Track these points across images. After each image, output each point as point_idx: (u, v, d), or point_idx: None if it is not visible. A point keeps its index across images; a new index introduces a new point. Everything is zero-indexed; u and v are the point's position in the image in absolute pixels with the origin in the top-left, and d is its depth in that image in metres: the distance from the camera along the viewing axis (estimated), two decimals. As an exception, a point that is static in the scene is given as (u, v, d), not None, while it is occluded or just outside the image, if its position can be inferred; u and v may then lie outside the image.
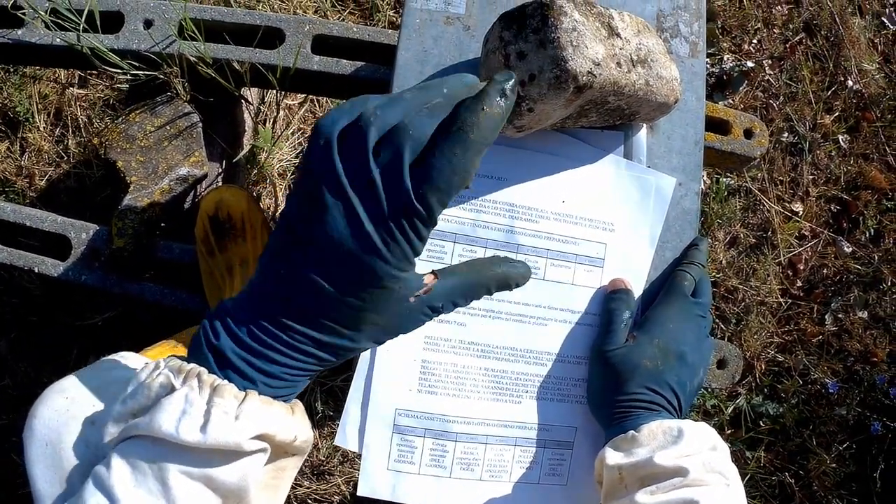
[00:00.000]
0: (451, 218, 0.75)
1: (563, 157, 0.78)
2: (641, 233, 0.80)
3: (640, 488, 0.68)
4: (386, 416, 0.76)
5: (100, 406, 0.58)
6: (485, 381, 0.77)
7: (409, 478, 0.77)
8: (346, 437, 0.76)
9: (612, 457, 0.71)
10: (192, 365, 0.49)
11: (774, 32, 1.82)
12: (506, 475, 0.78)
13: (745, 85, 1.74)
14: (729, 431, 1.61)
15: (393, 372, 0.76)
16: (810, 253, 1.72)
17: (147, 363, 0.51)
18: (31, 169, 1.62)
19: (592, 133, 0.78)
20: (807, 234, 1.73)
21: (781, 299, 1.68)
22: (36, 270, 1.10)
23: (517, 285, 0.56)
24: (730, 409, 1.60)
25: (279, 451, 0.53)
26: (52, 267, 1.10)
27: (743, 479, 0.77)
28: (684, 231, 0.81)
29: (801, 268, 1.70)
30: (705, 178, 1.71)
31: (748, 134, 1.16)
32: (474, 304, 0.74)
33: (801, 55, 1.80)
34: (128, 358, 0.68)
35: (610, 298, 0.78)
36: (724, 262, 1.68)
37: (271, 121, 1.61)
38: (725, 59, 1.75)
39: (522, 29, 0.65)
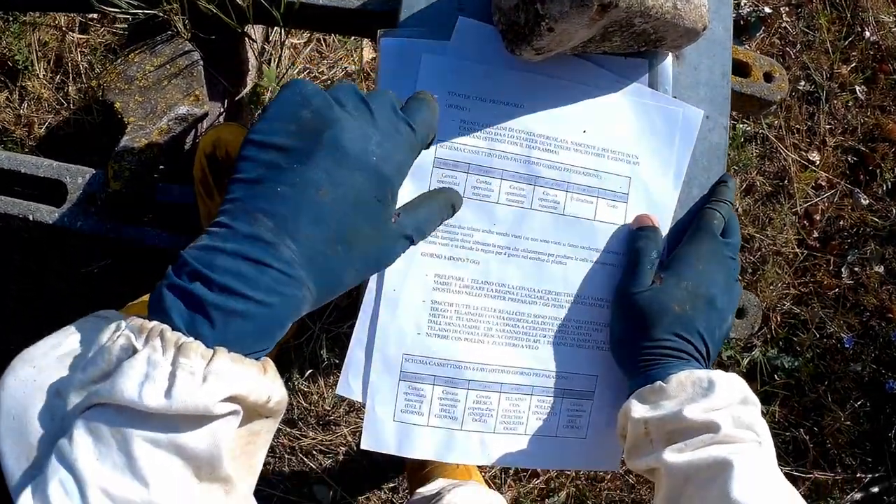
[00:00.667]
0: (463, 147, 0.70)
1: (584, 85, 0.72)
2: (667, 167, 0.75)
3: (666, 444, 0.65)
4: (392, 363, 0.70)
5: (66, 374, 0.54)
6: (499, 324, 0.72)
7: (416, 429, 0.71)
8: (349, 385, 0.70)
9: (638, 409, 0.67)
10: (154, 323, 0.44)
11: (793, -23, 1.77)
12: (521, 427, 0.74)
13: (762, 31, 1.70)
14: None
15: (400, 314, 0.70)
16: (827, 204, 1.68)
17: (109, 324, 0.47)
18: (31, 117, 1.58)
19: (615, 60, 0.73)
20: (823, 184, 1.69)
21: (798, 250, 1.66)
22: (31, 218, 1.06)
23: (454, 209, 0.60)
24: (745, 361, 1.58)
25: (252, 413, 0.48)
26: (46, 214, 1.06)
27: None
28: (712, 166, 0.77)
29: (818, 218, 1.67)
30: (721, 126, 1.67)
31: (768, 77, 1.11)
32: (489, 240, 0.71)
33: (819, 4, 1.75)
34: (108, 317, 0.64)
35: (636, 236, 0.73)
36: (740, 209, 1.65)
37: (276, 60, 1.56)
38: (743, 3, 1.70)
39: (543, -55, 0.61)
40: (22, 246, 1.50)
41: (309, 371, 1.50)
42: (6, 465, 0.50)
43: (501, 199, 0.71)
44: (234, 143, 1.04)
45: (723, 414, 0.64)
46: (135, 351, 0.44)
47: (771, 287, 1.62)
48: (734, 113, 1.54)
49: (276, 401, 0.49)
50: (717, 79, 0.78)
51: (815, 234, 1.67)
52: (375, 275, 0.69)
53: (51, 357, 0.52)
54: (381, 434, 0.71)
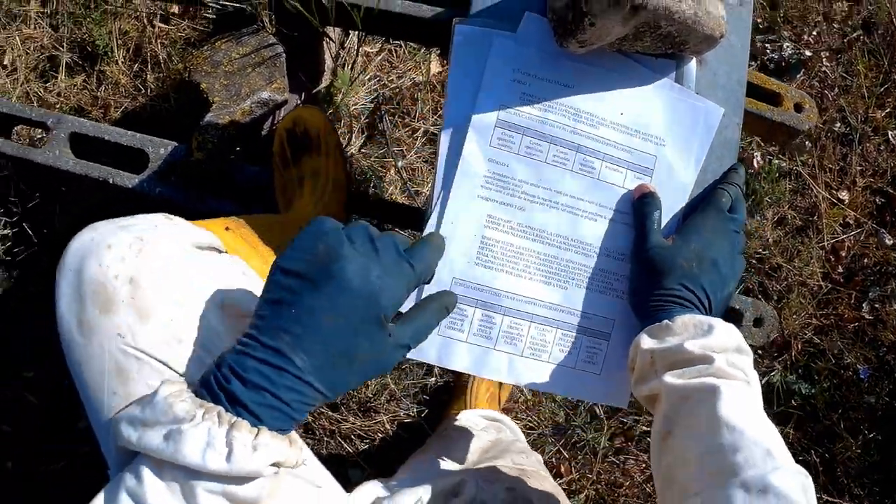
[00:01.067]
0: (522, 113, 0.87)
1: (623, 76, 0.89)
2: (688, 151, 0.91)
3: (669, 371, 0.78)
4: (443, 283, 0.86)
5: (118, 244, 0.71)
6: (536, 263, 0.88)
7: (456, 344, 0.87)
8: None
9: (646, 342, 0.80)
10: (211, 404, 0.61)
11: (834, 27, 1.92)
12: (545, 355, 0.89)
13: (802, 73, 1.85)
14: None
15: (455, 243, 0.86)
16: (853, 241, 1.81)
17: (169, 381, 0.64)
18: (107, 100, 1.77)
19: (648, 59, 0.90)
20: (851, 222, 1.82)
21: (822, 282, 1.77)
22: (111, 181, 1.21)
23: (448, 310, 0.75)
24: (763, 381, 1.69)
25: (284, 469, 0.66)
26: (126, 179, 1.20)
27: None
28: (724, 157, 0.92)
29: (843, 254, 1.79)
30: (759, 158, 1.81)
31: (798, 108, 1.26)
32: (534, 192, 0.87)
33: (858, 51, 1.90)
34: (176, 221, 0.79)
35: (640, 203, 0.88)
36: (770, 240, 1.78)
37: (350, 65, 1.74)
38: (785, 46, 1.85)
39: (589, -45, 0.78)
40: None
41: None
42: (60, 309, 0.70)
43: (549, 159, 0.88)
44: (311, 122, 1.21)
45: (718, 354, 0.76)
46: (192, 417, 0.60)
47: (794, 316, 1.74)
48: (769, 146, 1.69)
49: (300, 462, 0.66)
50: (734, 84, 0.93)
51: (840, 269, 1.79)
52: (437, 205, 0.86)
53: (110, 227, 0.73)
54: (426, 345, 0.86)
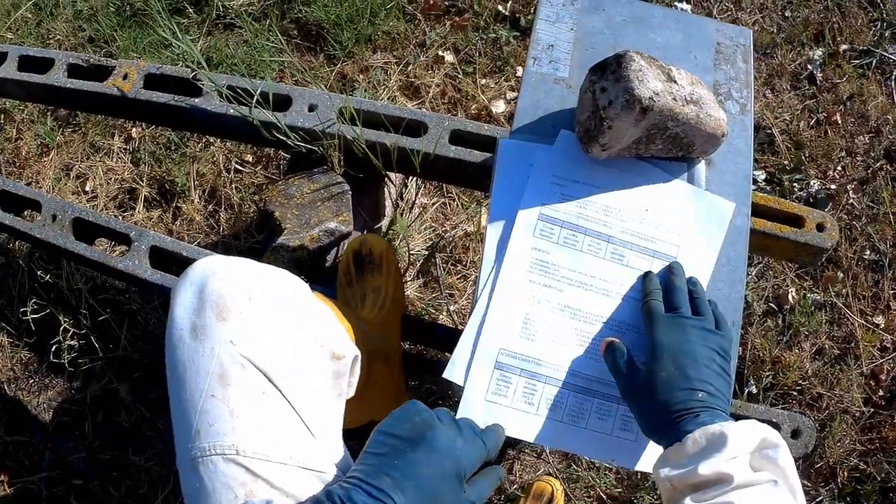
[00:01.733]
0: (560, 210, 1.06)
1: (644, 178, 1.09)
2: (706, 242, 1.08)
3: (691, 493, 0.81)
4: (490, 354, 1.01)
5: (242, 269, 0.87)
6: (575, 338, 1.03)
7: (501, 409, 1.01)
8: (454, 370, 1.01)
9: (663, 471, 0.85)
10: None
11: (857, 160, 2.11)
12: (584, 422, 1.01)
13: (829, 207, 2.01)
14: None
15: (503, 319, 1.02)
16: (892, 364, 1.91)
17: None
18: (182, 234, 2.01)
19: (663, 162, 1.09)
20: (888, 345, 1.92)
21: (864, 408, 1.86)
22: None
23: (501, 480, 0.89)
24: (809, 511, 1.76)
25: None
26: None
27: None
28: (737, 243, 1.09)
29: (883, 377, 1.89)
30: (793, 293, 1.95)
31: (820, 228, 1.41)
32: (571, 276, 1.05)
33: (882, 179, 2.07)
34: (296, 283, 0.95)
35: (606, 355, 0.98)
36: (809, 371, 1.88)
37: (407, 213, 1.97)
38: (812, 183, 2.04)
39: (604, 72, 0.99)
40: (154, 340, 1.85)
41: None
42: (175, 314, 0.84)
43: (584, 248, 1.06)
44: (375, 244, 1.39)
45: (737, 464, 0.80)
46: None
47: (838, 444, 1.82)
48: (803, 282, 1.81)
49: None
50: (740, 180, 1.11)
51: (881, 393, 1.88)
52: (488, 288, 1.03)
53: (235, 261, 0.88)
54: (474, 409, 1.00)
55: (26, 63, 1.62)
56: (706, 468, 0.80)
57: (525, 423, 1.01)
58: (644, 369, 0.93)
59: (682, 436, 0.84)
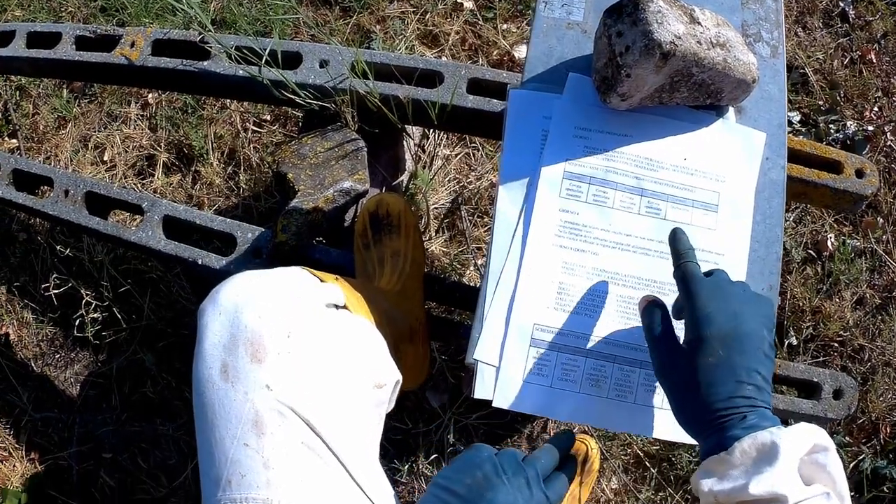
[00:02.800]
0: (586, 165, 0.99)
1: (674, 121, 1.02)
2: (745, 181, 1.01)
3: None
4: (524, 330, 0.94)
5: (278, 298, 0.82)
6: (614, 305, 0.96)
7: (541, 390, 0.94)
8: (484, 351, 0.94)
9: (705, 483, 0.77)
10: None
11: (894, 100, 2.02)
12: (630, 396, 0.94)
13: (867, 149, 1.93)
14: (852, 494, 1.70)
15: (534, 291, 0.96)
16: (937, 314, 1.84)
17: None
18: (202, 198, 1.98)
19: (688, 110, 1.02)
20: (932, 295, 1.85)
21: (907, 360, 1.80)
22: (199, 262, 1.35)
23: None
24: (851, 467, 1.70)
25: None
26: (215, 260, 1.35)
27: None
28: (772, 197, 1.02)
29: (927, 329, 1.82)
30: (832, 240, 1.88)
31: (859, 174, 1.35)
32: (605, 236, 0.98)
33: (922, 122, 1.98)
34: (303, 275, 0.91)
35: (642, 315, 0.88)
36: (850, 321, 1.82)
37: (428, 165, 1.92)
38: (848, 124, 1.95)
39: (620, 15, 0.92)
40: (176, 308, 1.84)
41: (434, 456, 1.70)
42: (207, 343, 0.79)
43: (616, 205, 0.99)
44: (392, 204, 1.35)
45: (789, 480, 0.72)
46: None
47: (880, 399, 1.76)
48: (841, 228, 1.75)
49: None
50: (774, 129, 1.04)
51: (926, 345, 1.82)
52: (513, 257, 0.97)
53: (260, 279, 0.83)
54: (509, 393, 0.93)
55: (34, 39, 1.60)
56: (758, 487, 0.72)
57: (568, 404, 0.94)
58: (686, 350, 0.81)
59: (728, 442, 0.76)
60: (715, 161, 1.01)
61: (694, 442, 0.84)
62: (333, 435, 0.78)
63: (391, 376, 0.89)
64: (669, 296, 0.95)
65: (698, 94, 0.98)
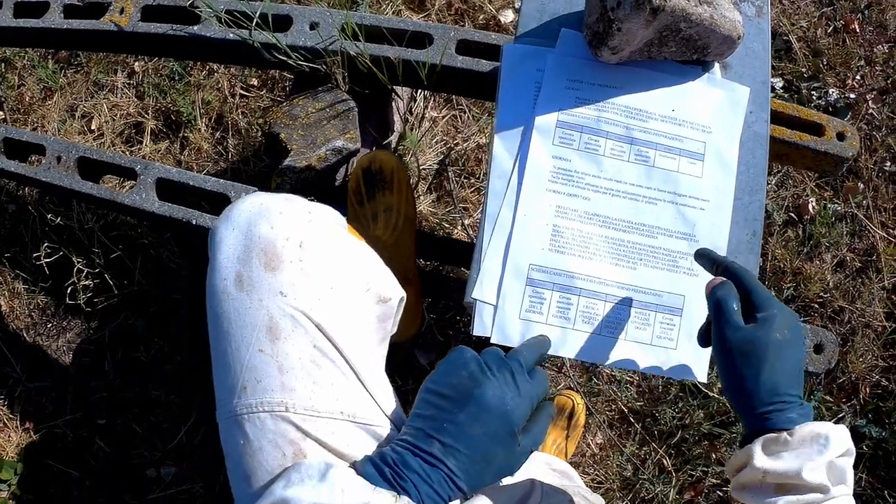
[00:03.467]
0: (578, 115, 1.03)
1: (663, 74, 1.06)
2: (730, 132, 1.05)
3: (777, 492, 0.80)
4: (521, 270, 0.99)
5: (289, 212, 0.83)
6: (605, 247, 1.01)
7: (537, 327, 0.99)
8: (483, 290, 0.99)
9: (760, 459, 0.81)
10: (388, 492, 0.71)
11: (876, 69, 2.06)
12: (622, 332, 1.00)
13: (849, 116, 1.96)
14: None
15: (529, 233, 1.00)
16: (916, 277, 1.88)
17: (336, 464, 0.73)
18: (190, 164, 1.99)
19: (675, 65, 1.06)
20: (912, 259, 1.90)
21: (886, 322, 1.84)
22: (193, 222, 1.37)
23: (552, 416, 0.87)
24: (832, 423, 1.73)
25: None
26: (209, 220, 1.36)
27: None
28: (755, 150, 1.06)
29: (907, 292, 1.87)
30: (813, 203, 1.92)
31: (840, 136, 1.37)
32: (597, 182, 1.02)
33: (903, 90, 2.02)
34: (340, 221, 0.92)
35: (715, 290, 0.88)
36: (830, 283, 1.86)
37: (417, 127, 1.94)
38: (831, 91, 1.99)
39: (614, -30, 0.94)
40: (169, 275, 1.85)
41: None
42: (222, 255, 0.80)
43: (606, 152, 1.03)
44: (385, 161, 1.38)
45: (829, 469, 0.78)
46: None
47: (860, 359, 1.80)
48: (823, 192, 1.78)
49: None
50: (759, 85, 1.07)
51: (904, 307, 1.86)
52: (509, 202, 1.01)
53: (275, 199, 0.84)
54: (507, 329, 0.98)
55: (22, 9, 1.58)
56: (810, 472, 0.77)
57: (563, 339, 0.99)
58: (757, 327, 0.84)
59: (785, 423, 0.80)
60: (701, 112, 1.05)
61: (673, 377, 0.94)
62: (344, 340, 0.80)
63: (396, 292, 0.91)
64: (657, 238, 1.02)
65: (685, 49, 1.01)
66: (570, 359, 1.04)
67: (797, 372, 0.83)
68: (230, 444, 0.78)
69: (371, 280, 0.87)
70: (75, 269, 1.78)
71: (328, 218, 0.87)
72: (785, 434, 0.80)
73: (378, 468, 0.74)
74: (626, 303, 1.00)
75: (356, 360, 0.81)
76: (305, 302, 0.79)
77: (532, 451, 0.82)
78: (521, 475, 1.39)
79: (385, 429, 0.82)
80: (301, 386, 0.77)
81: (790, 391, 0.82)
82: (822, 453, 0.78)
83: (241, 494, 0.78)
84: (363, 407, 0.81)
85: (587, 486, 1.69)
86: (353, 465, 0.75)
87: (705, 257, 0.95)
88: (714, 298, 0.87)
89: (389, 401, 0.86)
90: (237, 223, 0.82)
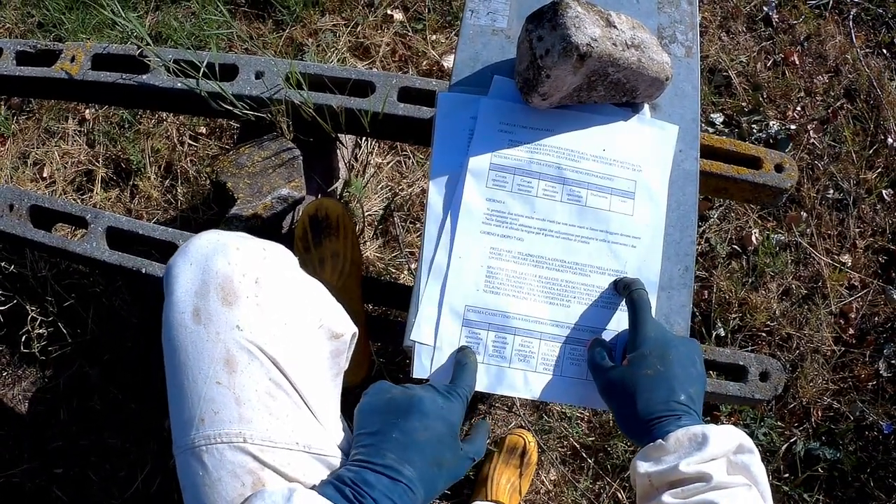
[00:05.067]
0: (511, 157, 1.05)
1: (593, 115, 1.07)
2: (660, 170, 1.07)
3: (668, 490, 0.82)
4: (457, 312, 1.01)
5: (245, 248, 0.84)
6: (539, 286, 1.02)
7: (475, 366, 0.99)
8: (420, 332, 1.00)
9: (642, 466, 0.85)
10: None
11: (817, 100, 2.11)
12: (558, 369, 1.01)
13: (790, 147, 2.00)
14: (786, 475, 1.76)
15: (464, 275, 1.02)
16: (860, 302, 1.91)
17: (300, 488, 0.75)
18: (140, 212, 1.99)
19: (607, 107, 1.08)
20: (857, 284, 1.93)
21: (835, 346, 1.87)
22: (143, 271, 1.37)
23: (490, 434, 0.93)
24: (783, 448, 1.75)
25: None
26: (158, 269, 1.37)
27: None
28: (686, 186, 1.08)
29: (853, 316, 1.90)
30: (756, 234, 1.94)
31: (779, 168, 1.40)
32: (530, 223, 1.03)
33: (843, 118, 2.07)
34: (292, 258, 0.94)
35: (588, 351, 0.99)
36: (777, 311, 1.88)
37: (362, 174, 1.96)
38: (771, 124, 2.02)
39: (541, 20, 0.97)
40: (120, 324, 1.84)
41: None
42: (178, 292, 0.80)
43: (539, 193, 1.04)
44: (331, 208, 1.39)
45: (716, 465, 0.81)
46: None
47: (810, 384, 1.82)
48: (766, 224, 1.81)
49: None
50: (688, 123, 1.09)
51: (851, 331, 1.89)
52: (444, 245, 1.03)
53: (233, 237, 0.85)
54: (446, 369, 0.99)
55: (-27, 56, 1.59)
56: (687, 466, 0.81)
57: (499, 377, 1.01)
58: (627, 367, 0.91)
59: (664, 435, 0.84)
60: (631, 152, 1.07)
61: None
62: (297, 374, 0.81)
63: (348, 328, 0.92)
64: (590, 276, 1.03)
65: (615, 93, 1.03)
66: (510, 397, 1.05)
67: (676, 396, 0.87)
68: (187, 476, 0.77)
69: (324, 316, 0.88)
70: (29, 317, 1.77)
71: (282, 255, 0.88)
72: (660, 441, 0.84)
73: (338, 489, 0.75)
74: (559, 340, 1.02)
75: (308, 394, 0.82)
76: (260, 336, 0.79)
77: (475, 461, 0.86)
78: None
79: (337, 459, 0.82)
80: (258, 417, 0.77)
81: (667, 411, 0.86)
82: (702, 450, 0.81)
83: None
84: (317, 438, 0.81)
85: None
86: (313, 489, 0.76)
87: (623, 279, 1.02)
88: (588, 357, 0.98)
89: (339, 433, 0.87)
90: (194, 258, 0.82)
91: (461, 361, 0.95)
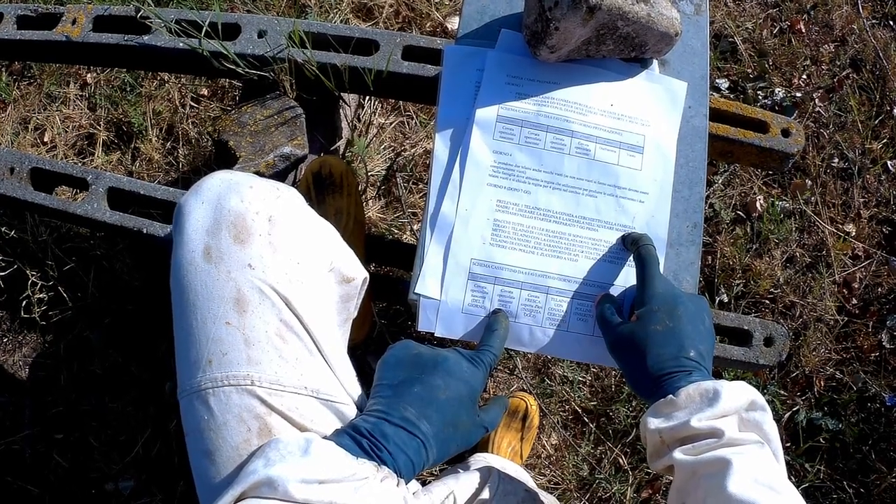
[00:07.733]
0: (518, 109, 1.04)
1: (602, 70, 1.06)
2: (669, 125, 1.06)
3: (679, 446, 0.81)
4: (463, 265, 1.00)
5: (258, 187, 0.84)
6: (546, 240, 1.02)
7: (480, 320, 0.99)
8: (426, 285, 0.99)
9: (653, 422, 0.83)
10: (370, 462, 0.74)
11: (822, 69, 2.09)
12: (564, 324, 1.00)
13: (795, 115, 1.99)
14: (788, 444, 1.75)
15: (470, 228, 1.01)
16: (864, 272, 1.90)
17: (317, 437, 0.74)
18: (141, 174, 1.98)
19: (615, 63, 1.06)
20: (860, 254, 1.92)
21: (838, 316, 1.86)
22: (144, 231, 1.36)
23: (507, 409, 0.92)
24: (786, 417, 1.75)
25: None
26: (159, 228, 1.36)
27: (803, 492, 0.87)
28: (694, 143, 1.07)
29: (856, 286, 1.89)
30: (761, 201, 1.93)
31: (785, 133, 1.38)
32: (537, 176, 1.03)
33: (849, 88, 2.06)
34: (303, 200, 0.93)
35: (597, 307, 0.97)
36: (781, 279, 1.88)
37: (365, 134, 1.94)
38: (776, 91, 2.01)
39: (550, -29, 0.94)
40: (122, 286, 1.83)
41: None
42: (189, 227, 0.80)
43: (547, 146, 1.03)
44: (335, 165, 1.39)
45: (727, 421, 0.79)
46: (367, 476, 0.73)
47: (813, 353, 1.82)
48: (771, 189, 1.80)
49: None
50: (697, 80, 1.08)
51: (854, 301, 1.88)
52: (451, 197, 1.02)
53: (245, 176, 0.85)
54: (451, 323, 0.99)
55: (-25, 21, 1.57)
56: (698, 421, 0.79)
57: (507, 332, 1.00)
58: (635, 323, 0.90)
59: (674, 391, 0.83)
60: (640, 107, 1.06)
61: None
62: (309, 316, 0.80)
63: (359, 273, 0.92)
64: (598, 231, 1.02)
65: (623, 47, 1.02)
66: (519, 355, 1.04)
67: (686, 352, 0.86)
68: (192, 420, 0.77)
69: (335, 259, 0.88)
70: (30, 282, 1.76)
71: (295, 195, 0.87)
72: (671, 396, 0.83)
73: (355, 439, 0.75)
74: (567, 294, 1.01)
75: (320, 337, 0.81)
76: (273, 275, 0.78)
77: (488, 432, 0.86)
78: (478, 464, 1.41)
79: (347, 406, 0.82)
80: (267, 360, 0.76)
81: (677, 367, 0.85)
82: (713, 405, 0.79)
83: (202, 472, 0.76)
84: (326, 383, 0.80)
85: (543, 487, 1.69)
86: (328, 438, 0.75)
87: (631, 234, 1.01)
88: (597, 313, 0.97)
89: (351, 380, 0.86)
90: (207, 197, 0.81)
91: (492, 327, 0.95)
